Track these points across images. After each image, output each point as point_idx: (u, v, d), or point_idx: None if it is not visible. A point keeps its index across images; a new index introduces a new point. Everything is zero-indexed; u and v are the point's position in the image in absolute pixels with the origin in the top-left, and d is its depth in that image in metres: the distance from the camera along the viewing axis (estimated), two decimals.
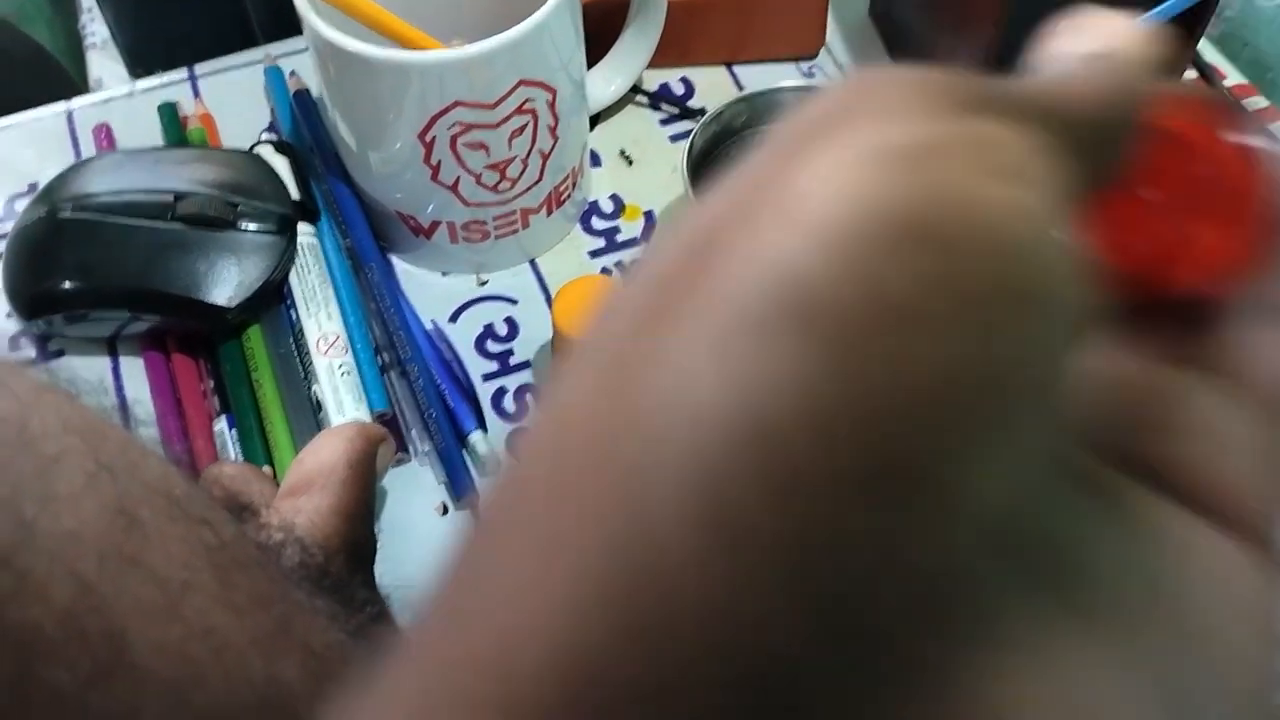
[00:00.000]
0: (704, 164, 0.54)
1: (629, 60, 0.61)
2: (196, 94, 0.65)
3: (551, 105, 0.52)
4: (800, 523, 0.11)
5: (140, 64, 0.71)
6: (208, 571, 0.27)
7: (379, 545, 0.49)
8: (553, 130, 0.53)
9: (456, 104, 0.50)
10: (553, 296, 0.56)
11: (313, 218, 0.57)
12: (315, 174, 0.58)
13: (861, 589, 0.11)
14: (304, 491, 0.43)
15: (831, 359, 0.11)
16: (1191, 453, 0.17)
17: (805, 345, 0.12)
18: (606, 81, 0.61)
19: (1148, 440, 0.17)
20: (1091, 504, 0.15)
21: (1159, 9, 0.46)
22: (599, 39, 0.61)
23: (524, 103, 0.51)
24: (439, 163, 0.52)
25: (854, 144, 0.13)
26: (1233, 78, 0.65)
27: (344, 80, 0.51)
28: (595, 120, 0.63)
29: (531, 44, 0.49)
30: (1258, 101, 0.64)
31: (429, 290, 0.58)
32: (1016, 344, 0.12)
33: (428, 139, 0.51)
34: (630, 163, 0.62)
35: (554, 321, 0.51)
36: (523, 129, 0.52)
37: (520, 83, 0.50)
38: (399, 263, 0.58)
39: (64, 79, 0.90)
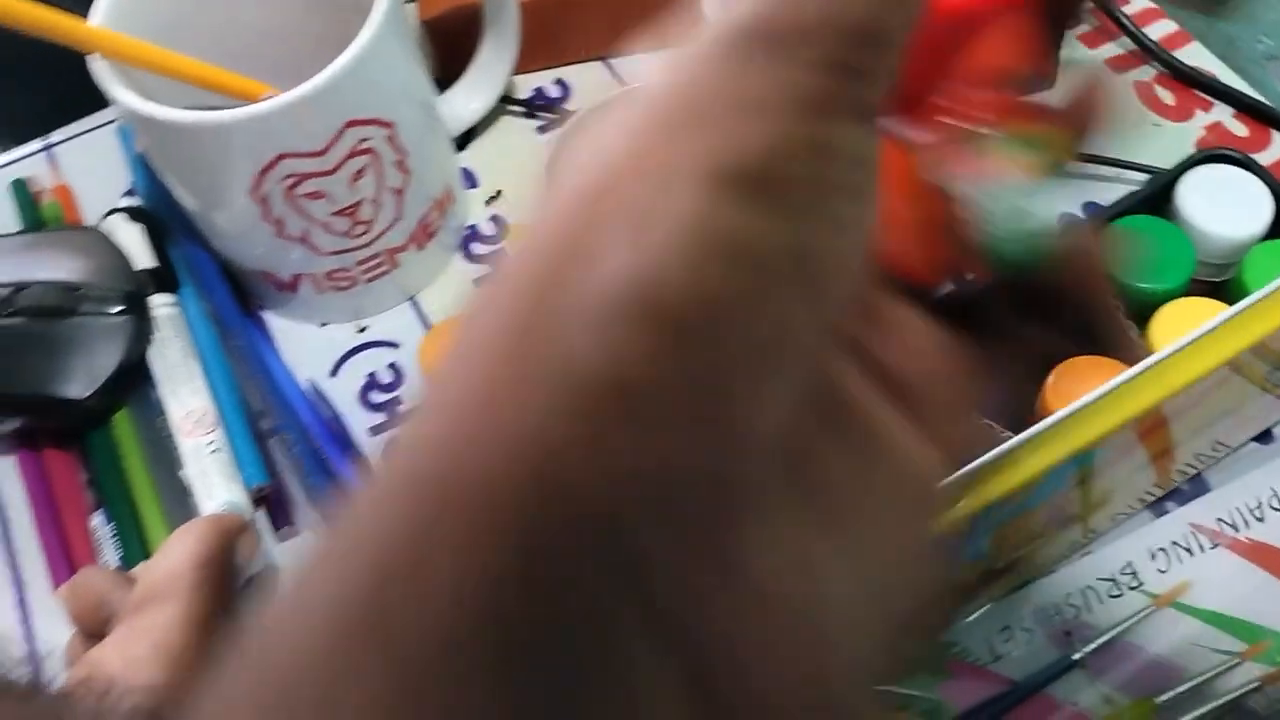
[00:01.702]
0: None
1: (490, 72, 0.57)
2: (53, 164, 0.62)
3: (391, 140, 0.49)
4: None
5: None
6: None
7: None
8: (401, 165, 0.50)
9: (282, 157, 0.46)
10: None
11: (172, 286, 0.54)
12: (173, 238, 0.55)
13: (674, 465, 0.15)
14: (154, 602, 0.41)
15: (664, 339, 0.15)
16: (892, 356, 0.20)
17: (650, 333, 0.15)
18: (467, 99, 0.57)
19: (877, 349, 0.20)
20: (837, 424, 0.18)
21: None
22: (456, 53, 0.57)
23: (359, 143, 0.48)
24: (281, 218, 0.49)
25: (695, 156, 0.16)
26: (1136, 2, 0.61)
27: (163, 147, 0.48)
28: (467, 138, 0.60)
29: (353, 81, 0.46)
30: (1164, 26, 0.59)
31: (306, 344, 0.55)
32: (775, 326, 0.16)
33: (260, 195, 0.48)
34: (496, 197, 0.58)
35: (422, 368, 0.48)
36: (363, 170, 0.49)
37: (349, 124, 0.47)
38: (273, 318, 0.56)
39: None
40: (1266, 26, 0.61)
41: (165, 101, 0.46)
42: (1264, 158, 0.54)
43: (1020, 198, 0.22)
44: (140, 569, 0.47)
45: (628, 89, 0.18)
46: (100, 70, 0.46)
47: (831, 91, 0.17)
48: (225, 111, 0.46)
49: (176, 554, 0.42)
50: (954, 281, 0.23)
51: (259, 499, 0.49)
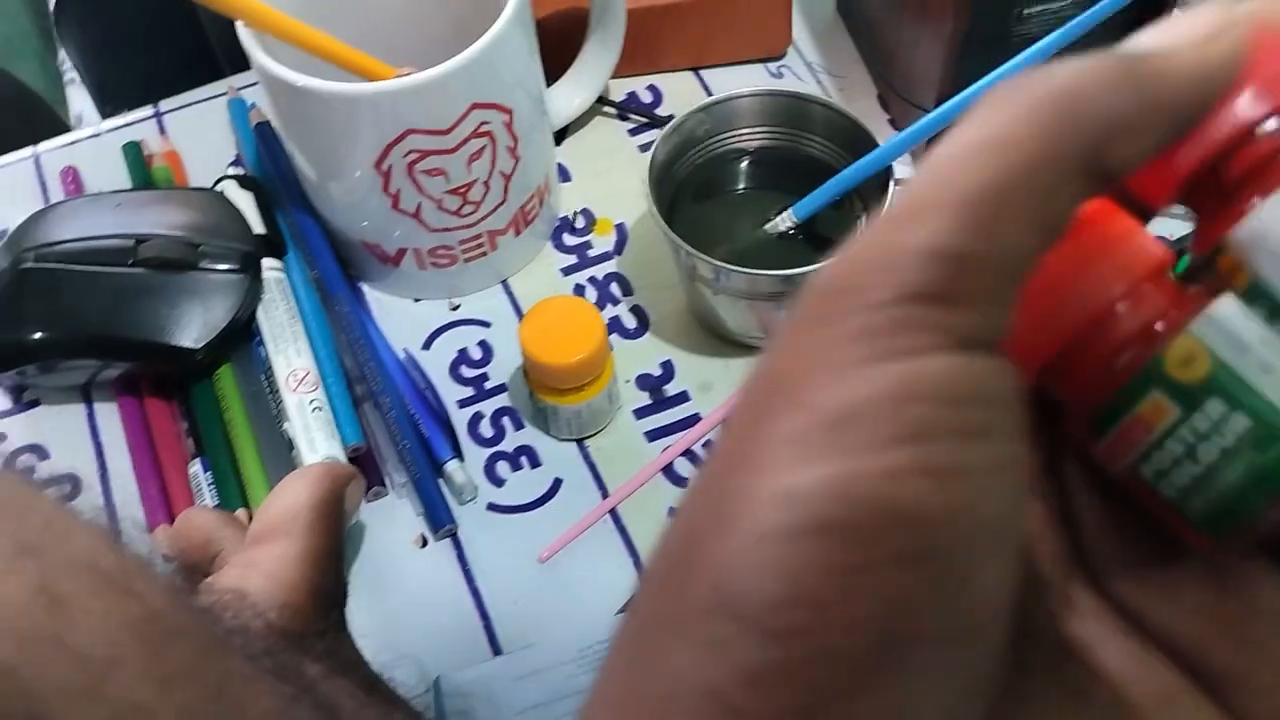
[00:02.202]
0: (667, 175, 0.53)
1: (591, 73, 0.60)
2: (163, 131, 0.64)
3: (509, 126, 0.52)
4: None
5: (108, 101, 0.71)
6: (134, 645, 0.27)
7: (357, 582, 0.49)
8: (512, 150, 0.53)
9: (409, 132, 0.49)
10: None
11: (279, 252, 0.56)
12: (281, 206, 0.58)
13: None
14: (269, 539, 0.43)
15: (767, 647, 0.16)
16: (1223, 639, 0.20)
17: (748, 642, 0.16)
18: (569, 96, 0.60)
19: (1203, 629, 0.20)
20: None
21: None
22: (560, 52, 0.60)
23: (480, 125, 0.50)
24: (398, 191, 0.52)
25: (781, 431, 0.17)
26: None
27: (295, 114, 0.51)
28: (562, 134, 0.62)
29: (482, 67, 0.49)
30: None
31: (401, 318, 0.57)
32: (922, 600, 0.16)
33: (384, 168, 0.50)
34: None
35: (522, 346, 0.50)
36: (481, 151, 0.51)
37: (474, 106, 0.50)
38: (370, 291, 0.58)
39: (48, 117, 0.90)
40: None
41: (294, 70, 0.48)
42: None
43: None
44: (255, 509, 0.50)
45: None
46: (244, 36, 0.49)
47: (906, 328, 0.17)
48: (361, 83, 0.48)
49: (293, 495, 0.44)
50: None
51: (352, 459, 0.51)
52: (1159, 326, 0.19)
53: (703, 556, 0.17)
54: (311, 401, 0.52)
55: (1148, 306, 0.20)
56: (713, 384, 0.54)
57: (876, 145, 0.51)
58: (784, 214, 0.52)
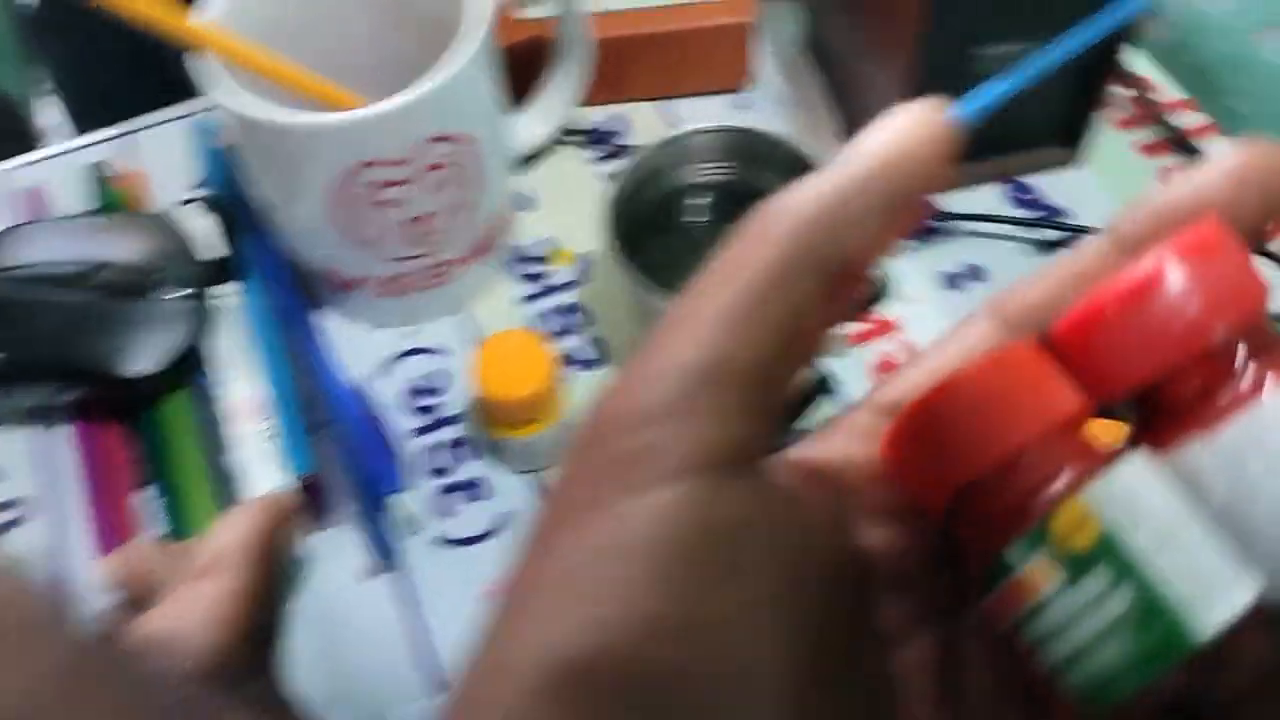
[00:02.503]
0: (627, 209, 0.53)
1: (555, 102, 0.60)
2: (129, 151, 0.64)
3: (469, 156, 0.52)
4: None
5: (81, 119, 0.70)
6: (51, 697, 0.26)
7: (303, 616, 0.49)
8: (473, 180, 0.53)
9: (366, 164, 0.49)
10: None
11: (235, 276, 0.56)
12: (244, 230, 0.58)
13: None
14: (206, 574, 0.42)
15: None
16: None
17: None
18: (533, 125, 0.60)
19: None
20: None
21: (1070, 41, 0.46)
22: (524, 81, 0.60)
23: (440, 156, 0.50)
24: (355, 220, 0.51)
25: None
26: (1171, 91, 0.64)
27: (253, 143, 0.50)
28: (526, 162, 0.62)
29: (443, 98, 0.49)
30: (1195, 117, 0.63)
31: (358, 345, 0.57)
32: None
33: (342, 198, 0.50)
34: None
35: (474, 380, 0.50)
36: (440, 182, 0.51)
37: (434, 138, 0.49)
38: (330, 317, 0.58)
39: (18, 127, 0.90)
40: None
41: (252, 99, 0.48)
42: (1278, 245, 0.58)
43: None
44: (195, 542, 0.49)
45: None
46: (201, 65, 0.49)
47: (659, 449, 0.17)
48: (320, 114, 0.48)
49: (231, 530, 0.44)
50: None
51: (303, 488, 0.51)
52: (1055, 485, 0.19)
53: (471, 704, 0.17)
54: (262, 431, 0.51)
55: (1047, 461, 0.19)
56: None
57: None
58: None
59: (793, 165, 0.53)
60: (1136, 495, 0.18)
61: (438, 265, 0.55)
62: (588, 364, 0.56)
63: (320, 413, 0.53)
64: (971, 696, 0.21)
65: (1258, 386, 0.18)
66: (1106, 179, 0.61)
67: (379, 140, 0.48)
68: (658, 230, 0.55)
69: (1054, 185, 0.61)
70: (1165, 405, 0.19)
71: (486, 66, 0.52)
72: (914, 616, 0.21)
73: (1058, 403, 0.19)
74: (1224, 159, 0.20)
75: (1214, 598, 0.17)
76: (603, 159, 0.63)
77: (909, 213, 0.19)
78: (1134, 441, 0.20)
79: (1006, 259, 0.58)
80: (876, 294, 0.54)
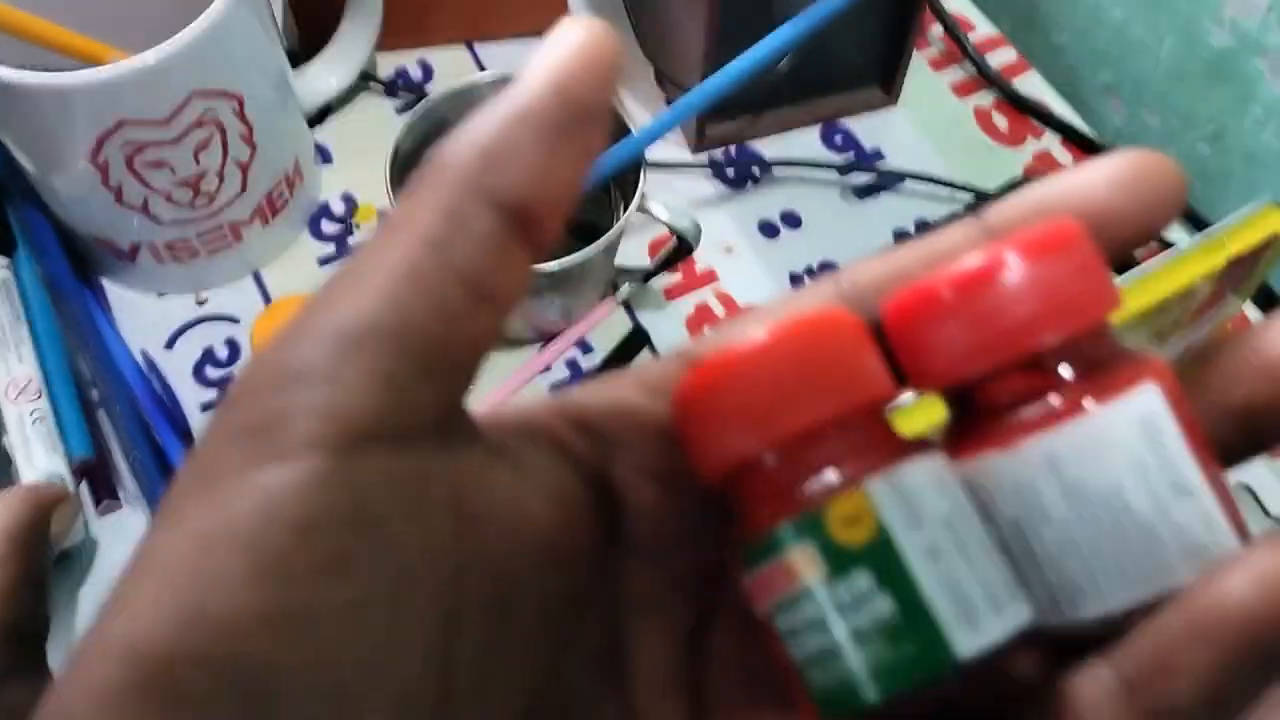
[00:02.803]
0: (415, 165, 0.51)
1: (349, 49, 0.57)
2: None
3: (240, 113, 0.48)
4: None
5: None
6: None
7: (88, 603, 0.46)
8: (247, 138, 0.50)
9: (122, 124, 0.46)
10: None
11: (7, 248, 0.53)
12: (11, 200, 0.54)
13: None
14: None
15: None
16: None
17: None
18: (326, 74, 0.57)
19: None
20: None
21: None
22: (317, 28, 0.57)
23: (204, 113, 0.47)
24: (120, 185, 0.48)
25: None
26: (982, 29, 0.63)
27: (6, 108, 0.47)
28: (325, 112, 0.59)
29: (202, 51, 0.45)
30: (1008, 54, 0.62)
31: (143, 314, 0.54)
32: None
33: (100, 162, 0.47)
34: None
35: (255, 349, 0.47)
36: (208, 141, 0.48)
37: (195, 94, 0.46)
38: (111, 287, 0.54)
39: None
40: (1107, 59, 0.65)
41: (4, 59, 0.44)
42: None
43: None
44: None
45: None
46: None
47: (290, 415, 0.16)
48: (67, 74, 0.45)
49: None
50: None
51: (81, 471, 0.48)
52: (841, 472, 0.17)
53: (56, 696, 0.15)
54: (33, 411, 0.48)
55: (839, 444, 0.18)
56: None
57: (627, 126, 0.49)
58: None
59: None
60: (922, 498, 0.17)
61: (222, 228, 0.52)
62: None
63: (103, 389, 0.51)
64: (715, 677, 0.20)
65: (1070, 408, 0.17)
66: (922, 120, 0.60)
67: (135, 98, 0.45)
68: None
69: (870, 128, 0.60)
70: (977, 407, 0.18)
71: (255, 15, 0.48)
72: (666, 585, 0.20)
73: (862, 383, 0.18)
74: (1111, 162, 0.19)
75: (979, 620, 0.17)
76: (407, 108, 0.60)
77: (588, 134, 0.18)
78: (947, 439, 0.19)
79: (823, 205, 0.57)
80: (686, 245, 0.52)
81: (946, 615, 0.17)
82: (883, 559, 0.17)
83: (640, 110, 0.59)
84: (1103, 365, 0.18)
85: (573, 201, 0.18)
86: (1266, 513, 0.48)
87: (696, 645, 0.20)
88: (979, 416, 0.18)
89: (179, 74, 0.45)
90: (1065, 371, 0.18)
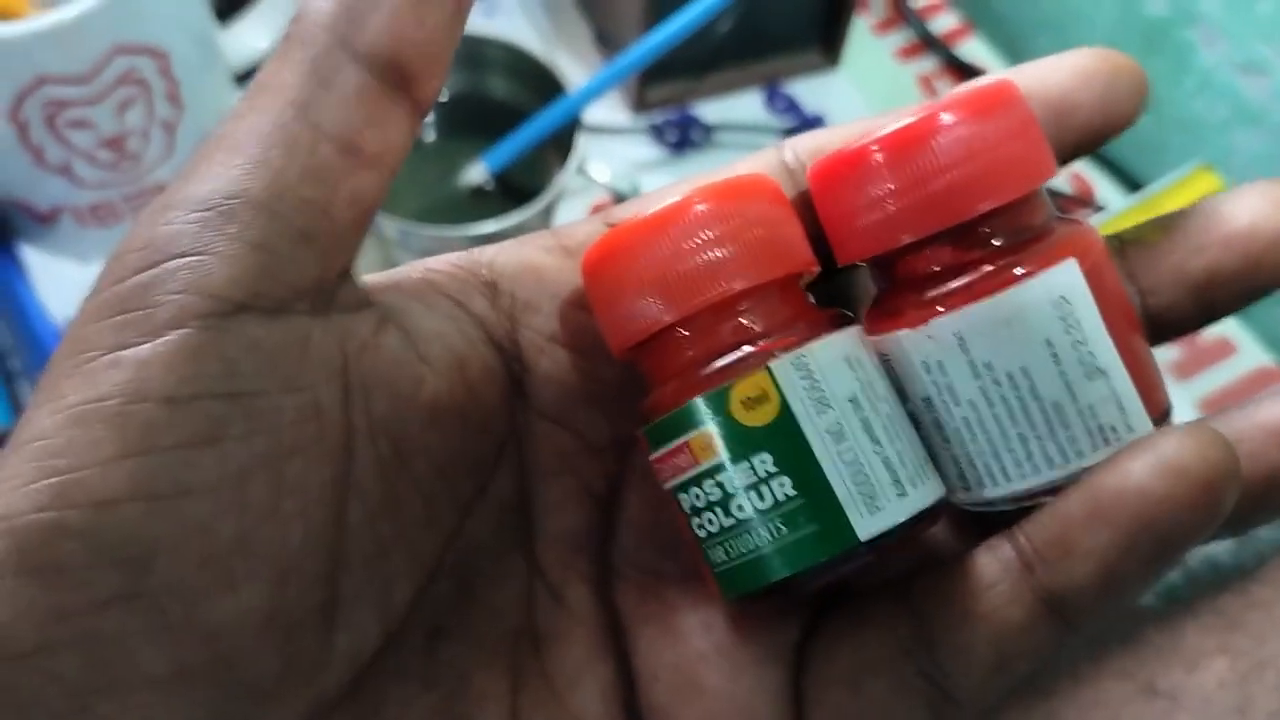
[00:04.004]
0: None
1: (277, 9, 0.55)
2: None
3: (165, 71, 0.47)
4: None
5: None
6: None
7: None
8: (173, 98, 0.48)
9: (42, 80, 0.44)
10: None
11: None
12: None
13: None
14: None
15: None
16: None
17: None
18: (255, 34, 0.55)
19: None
20: None
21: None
22: None
23: (127, 71, 0.45)
24: (40, 145, 0.46)
25: None
26: None
27: None
28: (253, 74, 0.57)
29: (123, 5, 0.44)
30: (950, 19, 0.62)
31: (67, 282, 0.52)
32: (136, 643, 0.15)
33: (20, 120, 0.45)
34: None
35: None
36: (132, 100, 0.47)
37: (116, 50, 0.45)
38: (31, 253, 0.53)
39: None
40: (1047, 27, 0.65)
41: None
42: None
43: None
44: None
45: None
46: None
47: (161, 288, 0.16)
48: None
49: None
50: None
51: (3, 442, 0.47)
52: (749, 349, 0.17)
53: None
54: None
55: (751, 319, 0.17)
56: None
57: (562, 86, 0.48)
58: (476, 166, 0.49)
59: (527, 72, 0.50)
60: (829, 378, 0.17)
61: (145, 191, 0.50)
62: None
63: (24, 358, 0.49)
64: (623, 541, 0.20)
65: (984, 286, 0.17)
66: (863, 84, 0.60)
67: (53, 55, 0.43)
68: None
69: (812, 93, 0.59)
70: (897, 279, 0.18)
71: None
72: (576, 448, 0.20)
73: (778, 256, 0.17)
74: (1077, 55, 0.19)
75: (881, 502, 0.16)
76: None
77: None
78: (869, 311, 0.18)
79: None
80: None
81: (847, 498, 0.16)
82: (785, 441, 0.17)
83: (578, 71, 0.58)
84: (1030, 237, 0.17)
85: (448, 52, 0.17)
86: None
87: (605, 509, 0.20)
88: (898, 289, 0.18)
89: (99, 28, 0.44)
90: (991, 243, 0.17)
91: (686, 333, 0.17)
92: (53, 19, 0.43)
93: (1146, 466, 0.15)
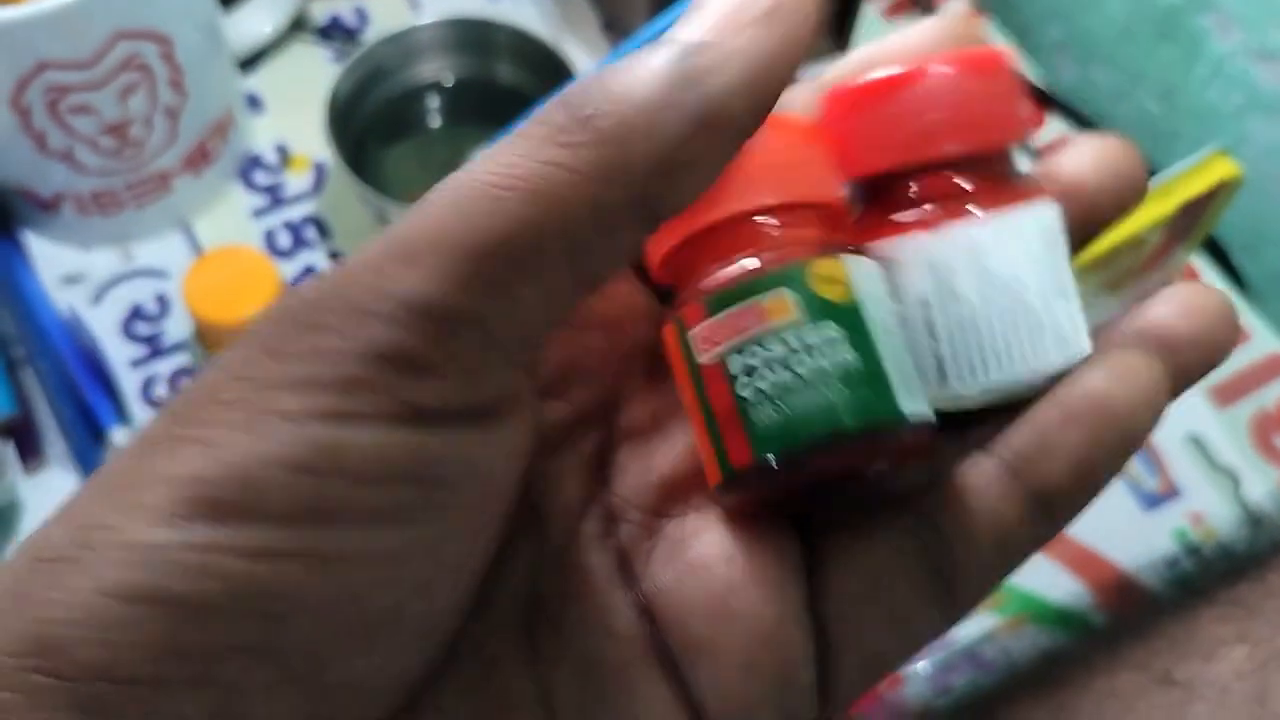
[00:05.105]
0: (354, 113, 0.49)
1: None
2: None
3: (168, 57, 0.46)
4: None
5: None
6: None
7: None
8: (176, 84, 0.47)
9: (44, 66, 0.43)
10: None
11: None
12: None
13: None
14: None
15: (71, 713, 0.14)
16: (671, 588, 0.19)
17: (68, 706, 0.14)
18: (258, 20, 0.55)
19: (655, 579, 0.19)
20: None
21: None
22: None
23: (130, 57, 0.45)
24: (43, 131, 0.46)
25: (172, 470, 0.15)
26: None
27: None
28: (256, 61, 0.57)
29: None
30: (958, 5, 0.61)
31: (68, 269, 0.52)
32: (258, 694, 0.15)
33: (22, 106, 0.45)
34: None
35: (188, 303, 0.46)
36: (135, 86, 0.46)
37: (119, 36, 0.44)
38: (33, 240, 0.52)
39: None
40: (1058, 14, 0.64)
41: None
42: (1040, 138, 0.57)
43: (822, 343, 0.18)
44: None
45: None
46: None
47: (351, 388, 0.15)
48: None
49: None
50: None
51: (6, 429, 0.46)
52: (819, 237, 0.19)
53: (44, 580, 0.15)
54: None
55: (828, 219, 0.20)
56: None
57: (570, 70, 0.48)
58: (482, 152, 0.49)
59: (529, 55, 0.50)
60: (874, 283, 0.19)
61: (148, 178, 0.50)
62: None
63: (26, 346, 0.49)
64: (621, 487, 0.20)
65: (991, 204, 0.19)
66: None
67: (55, 40, 0.43)
68: (391, 135, 0.51)
69: None
70: (897, 200, 0.20)
71: None
72: (573, 419, 0.20)
73: (825, 180, 0.20)
74: (1092, 145, 0.21)
75: (916, 393, 0.19)
76: (342, 56, 0.58)
77: None
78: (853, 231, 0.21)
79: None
80: None
81: (896, 380, 0.18)
82: (851, 319, 0.18)
83: (586, 57, 0.57)
84: (1006, 181, 0.20)
85: None
86: (1213, 463, 0.48)
87: (600, 466, 0.20)
88: (898, 207, 0.20)
89: (101, 13, 0.43)
90: (1000, 174, 0.20)
91: (782, 215, 0.19)
92: (54, 3, 0.42)
93: (1104, 372, 0.18)
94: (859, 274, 0.19)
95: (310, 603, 0.15)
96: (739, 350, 0.18)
